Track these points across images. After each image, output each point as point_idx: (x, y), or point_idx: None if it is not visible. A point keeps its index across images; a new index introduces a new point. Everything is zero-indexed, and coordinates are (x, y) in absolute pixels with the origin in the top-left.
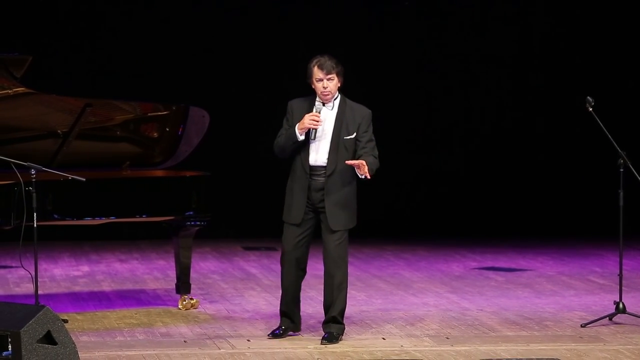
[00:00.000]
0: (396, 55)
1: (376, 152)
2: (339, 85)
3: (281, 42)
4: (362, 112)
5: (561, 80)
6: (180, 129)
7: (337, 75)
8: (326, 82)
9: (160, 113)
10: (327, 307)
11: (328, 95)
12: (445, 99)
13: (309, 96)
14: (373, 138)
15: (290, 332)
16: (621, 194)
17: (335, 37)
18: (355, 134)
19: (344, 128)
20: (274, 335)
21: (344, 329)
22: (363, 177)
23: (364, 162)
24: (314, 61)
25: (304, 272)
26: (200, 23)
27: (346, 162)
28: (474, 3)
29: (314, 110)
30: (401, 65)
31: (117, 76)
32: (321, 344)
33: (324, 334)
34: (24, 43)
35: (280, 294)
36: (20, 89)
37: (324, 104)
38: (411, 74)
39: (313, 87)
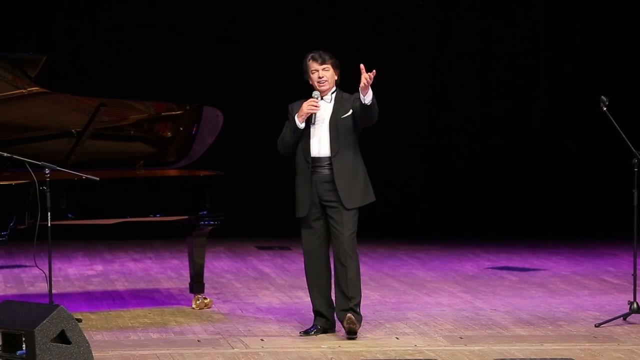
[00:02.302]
0: (402, 54)
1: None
2: (336, 78)
3: (296, 41)
4: (354, 94)
5: (575, 79)
6: (194, 129)
7: (333, 66)
8: (322, 72)
9: (174, 112)
10: (340, 297)
11: (324, 84)
12: (457, 97)
13: (305, 98)
14: None
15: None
16: (635, 193)
17: (345, 36)
18: (351, 110)
19: (340, 111)
20: (306, 333)
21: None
22: (364, 83)
23: (374, 71)
24: (309, 56)
25: (329, 269)
26: (214, 23)
27: (360, 65)
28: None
29: (312, 97)
30: (410, 65)
31: (132, 76)
32: (346, 325)
33: (343, 320)
34: (38, 42)
35: (309, 295)
36: (35, 89)
37: (322, 98)
38: (422, 73)
39: (310, 82)
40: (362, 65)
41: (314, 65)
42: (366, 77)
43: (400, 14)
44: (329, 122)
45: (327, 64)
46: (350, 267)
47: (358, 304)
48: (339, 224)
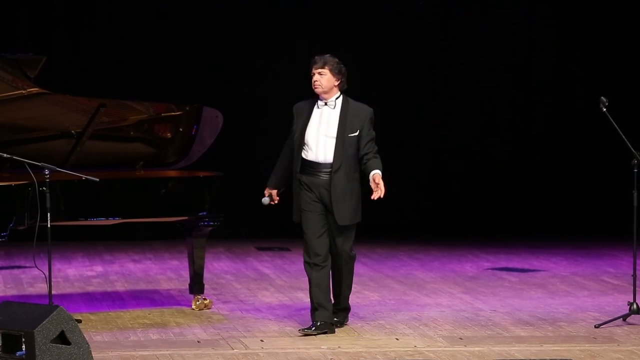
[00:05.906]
0: (407, 54)
1: (376, 148)
2: (337, 84)
3: (296, 42)
4: (365, 111)
5: (575, 80)
6: (194, 129)
7: (331, 71)
8: (317, 76)
9: (173, 113)
10: (336, 296)
11: (317, 87)
12: (458, 98)
13: (310, 98)
14: (373, 135)
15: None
16: (635, 194)
17: (347, 36)
18: (358, 131)
19: (348, 126)
20: (307, 331)
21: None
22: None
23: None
24: (313, 58)
25: (329, 264)
26: (215, 22)
27: (377, 194)
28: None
29: (316, 106)
30: (412, 64)
31: (131, 76)
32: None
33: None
34: (38, 43)
35: (309, 291)
36: (35, 90)
37: (325, 104)
38: (424, 72)
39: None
40: (374, 180)
41: (312, 69)
42: (375, 195)
43: (400, 14)
44: (336, 132)
45: (324, 68)
46: (344, 268)
47: (348, 297)
48: (338, 228)
